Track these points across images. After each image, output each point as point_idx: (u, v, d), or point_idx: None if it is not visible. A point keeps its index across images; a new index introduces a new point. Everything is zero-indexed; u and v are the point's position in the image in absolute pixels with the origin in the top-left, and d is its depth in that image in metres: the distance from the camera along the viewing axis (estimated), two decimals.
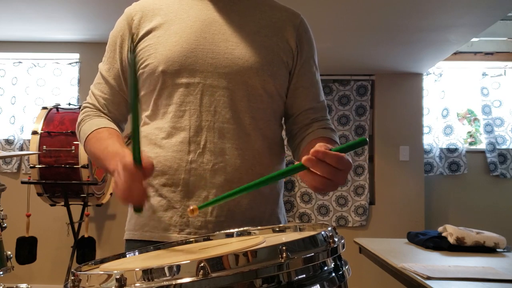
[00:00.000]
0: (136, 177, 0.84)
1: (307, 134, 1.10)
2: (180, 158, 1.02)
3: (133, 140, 0.84)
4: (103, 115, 1.12)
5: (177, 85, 1.03)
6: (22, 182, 3.24)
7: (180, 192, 1.02)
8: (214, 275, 0.53)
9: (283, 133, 1.17)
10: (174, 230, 1.02)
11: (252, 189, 0.81)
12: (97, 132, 1.06)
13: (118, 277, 0.55)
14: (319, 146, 0.79)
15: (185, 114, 1.03)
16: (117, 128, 1.10)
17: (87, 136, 1.07)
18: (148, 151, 1.06)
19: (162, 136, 1.05)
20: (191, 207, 0.79)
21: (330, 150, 0.78)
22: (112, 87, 1.12)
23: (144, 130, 1.09)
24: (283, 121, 1.18)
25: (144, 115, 1.10)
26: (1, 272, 2.08)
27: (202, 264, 0.53)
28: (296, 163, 0.81)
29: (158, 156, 1.04)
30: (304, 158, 0.78)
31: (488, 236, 2.17)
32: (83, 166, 3.12)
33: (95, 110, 1.12)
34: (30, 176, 3.22)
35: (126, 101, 1.14)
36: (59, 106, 3.36)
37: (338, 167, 0.78)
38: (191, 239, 0.91)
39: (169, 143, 1.03)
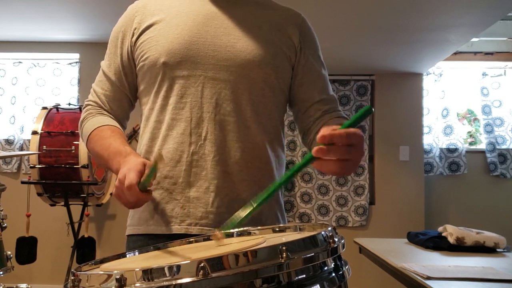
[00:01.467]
0: (138, 195, 0.88)
1: (320, 127, 1.09)
2: (181, 150, 1.02)
3: (150, 172, 0.87)
4: (105, 112, 1.12)
5: (178, 77, 1.04)
6: (22, 182, 3.24)
7: (181, 183, 1.02)
8: (214, 275, 0.53)
9: (293, 131, 1.17)
10: (175, 222, 1.02)
11: (271, 196, 0.79)
12: (99, 130, 1.06)
13: (118, 277, 0.55)
14: (324, 131, 0.75)
15: (186, 106, 1.03)
16: (119, 126, 1.10)
17: (89, 135, 1.08)
18: (150, 145, 1.06)
19: (163, 129, 1.05)
20: (217, 234, 0.78)
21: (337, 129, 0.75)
22: (113, 83, 1.12)
23: (144, 124, 1.10)
24: (292, 119, 1.18)
25: (144, 108, 1.10)
26: (1, 272, 2.07)
27: (202, 264, 0.53)
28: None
29: (159, 149, 1.04)
30: (313, 150, 0.74)
31: (488, 236, 2.17)
32: (83, 166, 3.11)
33: (97, 108, 1.12)
34: (30, 176, 3.22)
35: (128, 98, 1.14)
36: (59, 106, 3.36)
37: (349, 143, 0.75)
38: (191, 239, 0.91)
39: (170, 135, 1.04)
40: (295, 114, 1.17)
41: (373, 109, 0.73)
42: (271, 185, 0.81)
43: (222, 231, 0.79)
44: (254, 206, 0.79)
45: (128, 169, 0.89)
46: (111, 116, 1.12)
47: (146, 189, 0.89)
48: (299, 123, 1.16)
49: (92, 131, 1.07)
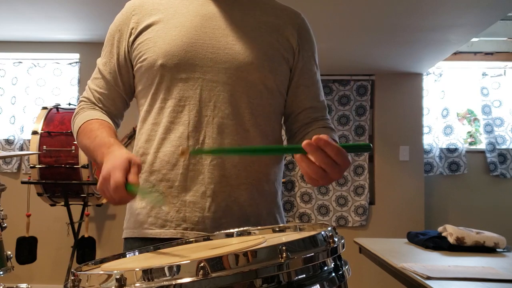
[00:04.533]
0: (124, 196, 0.84)
1: (307, 133, 1.10)
2: (178, 153, 1.02)
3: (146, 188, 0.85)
4: (97, 108, 1.11)
5: (176, 80, 1.03)
6: (22, 182, 3.24)
7: (177, 187, 1.02)
8: (214, 275, 0.53)
9: (283, 132, 1.17)
10: (170, 226, 1.01)
11: (248, 153, 0.85)
12: (88, 123, 1.05)
13: (118, 277, 0.55)
14: (321, 135, 0.77)
15: (184, 109, 1.02)
16: (109, 121, 1.09)
17: (79, 129, 1.07)
18: (146, 147, 1.06)
19: (160, 132, 1.04)
20: (182, 149, 0.82)
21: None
22: (108, 81, 1.11)
23: (141, 125, 1.09)
24: (282, 121, 1.18)
25: (142, 110, 1.10)
26: (1, 272, 2.07)
27: (202, 264, 0.53)
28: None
29: (156, 151, 1.04)
30: (304, 142, 0.75)
31: (488, 236, 2.17)
32: (83, 166, 3.12)
33: (90, 104, 1.12)
34: (30, 176, 3.22)
35: (122, 97, 1.13)
36: (59, 106, 3.36)
37: (336, 160, 0.77)
38: (191, 239, 0.91)
39: (168, 138, 1.03)
40: (285, 117, 1.18)
41: (371, 147, 0.78)
42: (255, 146, 0.85)
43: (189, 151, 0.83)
44: (221, 149, 0.87)
45: (113, 166, 0.86)
46: (103, 112, 1.11)
47: (133, 191, 0.85)
48: (287, 126, 1.18)
49: (82, 124, 1.06)
